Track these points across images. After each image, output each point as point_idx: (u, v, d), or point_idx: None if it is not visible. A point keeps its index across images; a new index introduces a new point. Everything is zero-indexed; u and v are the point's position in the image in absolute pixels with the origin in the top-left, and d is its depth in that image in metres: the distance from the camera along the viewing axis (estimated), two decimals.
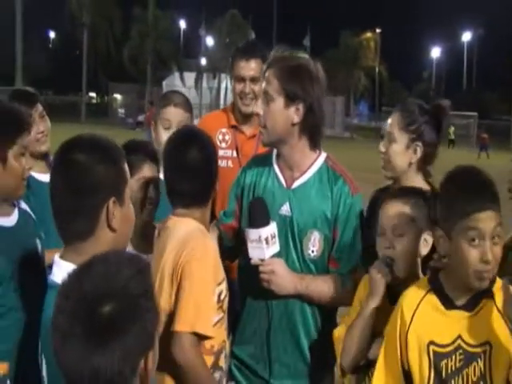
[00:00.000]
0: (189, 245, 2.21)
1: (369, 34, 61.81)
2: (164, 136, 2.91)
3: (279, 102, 2.48)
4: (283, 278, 2.46)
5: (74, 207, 1.70)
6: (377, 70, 61.43)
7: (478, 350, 1.94)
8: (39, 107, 3.10)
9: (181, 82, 52.59)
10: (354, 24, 67.32)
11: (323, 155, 2.64)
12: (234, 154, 3.43)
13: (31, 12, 48.68)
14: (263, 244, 2.36)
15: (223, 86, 46.08)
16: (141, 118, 39.19)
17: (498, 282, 1.94)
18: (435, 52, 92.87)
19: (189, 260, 2.17)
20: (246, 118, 3.46)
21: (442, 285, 2.03)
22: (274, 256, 2.47)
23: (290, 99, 2.47)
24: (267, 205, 2.46)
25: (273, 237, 2.41)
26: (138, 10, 54.72)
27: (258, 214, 2.40)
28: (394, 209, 2.30)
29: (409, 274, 2.30)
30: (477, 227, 1.87)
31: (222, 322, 2.30)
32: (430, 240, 2.26)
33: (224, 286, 2.30)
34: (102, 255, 1.36)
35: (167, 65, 55.17)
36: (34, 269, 2.41)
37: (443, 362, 1.97)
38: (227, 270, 3.11)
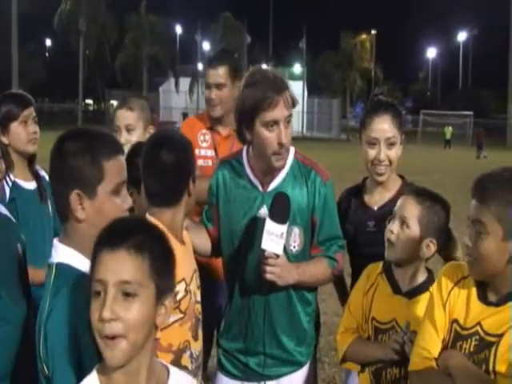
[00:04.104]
0: None
1: (364, 36, 61.80)
2: (121, 140, 3.07)
3: None
4: (286, 271, 2.51)
5: (53, 191, 1.87)
6: (373, 71, 61.46)
7: (493, 339, 1.99)
8: (33, 111, 3.13)
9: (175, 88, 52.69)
10: (349, 26, 67.53)
11: (292, 151, 2.66)
12: (213, 153, 3.57)
13: (27, 20, 48.68)
14: (283, 240, 2.40)
15: None
16: None
17: None
18: (431, 52, 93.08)
19: None
20: (217, 120, 3.59)
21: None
22: None
23: None
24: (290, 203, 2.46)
25: (285, 233, 2.45)
26: (133, 15, 54.82)
27: (284, 209, 2.42)
28: (411, 204, 2.39)
29: (409, 258, 2.40)
30: None
31: (181, 322, 2.30)
32: (433, 247, 2.38)
33: (181, 287, 2.28)
34: None
35: (163, 70, 55.24)
36: (16, 272, 2.40)
37: (459, 344, 2.04)
38: (210, 270, 3.17)
